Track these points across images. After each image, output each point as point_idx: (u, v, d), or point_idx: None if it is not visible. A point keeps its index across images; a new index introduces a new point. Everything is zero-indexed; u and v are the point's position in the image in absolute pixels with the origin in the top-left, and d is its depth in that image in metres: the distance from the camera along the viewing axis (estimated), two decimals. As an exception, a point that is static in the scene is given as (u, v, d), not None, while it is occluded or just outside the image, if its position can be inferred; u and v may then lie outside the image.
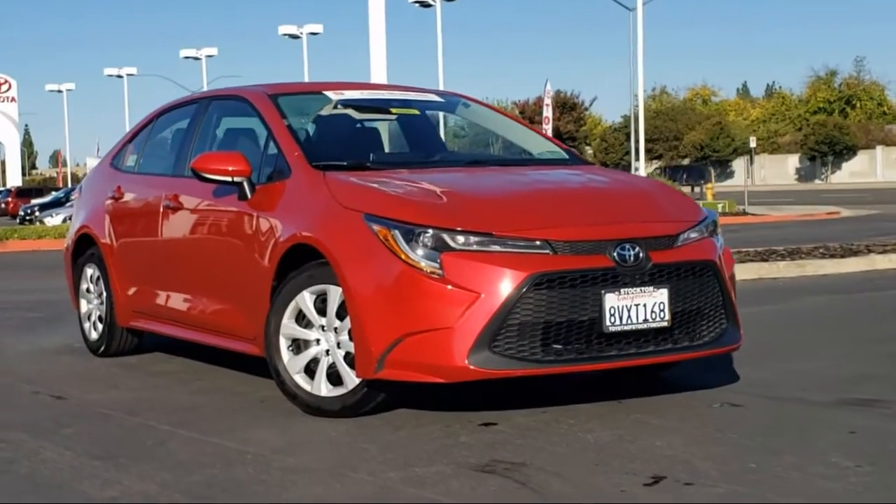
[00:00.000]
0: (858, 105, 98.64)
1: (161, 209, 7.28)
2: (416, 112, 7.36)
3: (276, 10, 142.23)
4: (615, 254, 5.44)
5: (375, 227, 5.48)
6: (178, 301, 7.15)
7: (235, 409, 6.13)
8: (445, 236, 5.36)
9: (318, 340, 5.83)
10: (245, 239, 6.36)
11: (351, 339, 5.64)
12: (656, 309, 5.46)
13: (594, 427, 5.33)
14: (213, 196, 6.71)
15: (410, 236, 5.37)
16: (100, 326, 8.21)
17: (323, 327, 5.80)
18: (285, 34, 62.71)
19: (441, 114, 8.76)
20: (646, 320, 5.45)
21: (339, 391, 5.72)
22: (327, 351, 5.79)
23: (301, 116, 6.84)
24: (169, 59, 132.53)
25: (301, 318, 5.90)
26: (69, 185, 70.42)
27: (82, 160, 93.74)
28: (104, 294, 8.09)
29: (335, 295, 5.70)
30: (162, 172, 7.73)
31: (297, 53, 61.35)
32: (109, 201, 8.06)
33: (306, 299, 5.83)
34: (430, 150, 7.48)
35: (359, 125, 7.30)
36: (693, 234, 5.79)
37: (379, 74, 13.53)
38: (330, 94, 7.08)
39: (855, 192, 47.04)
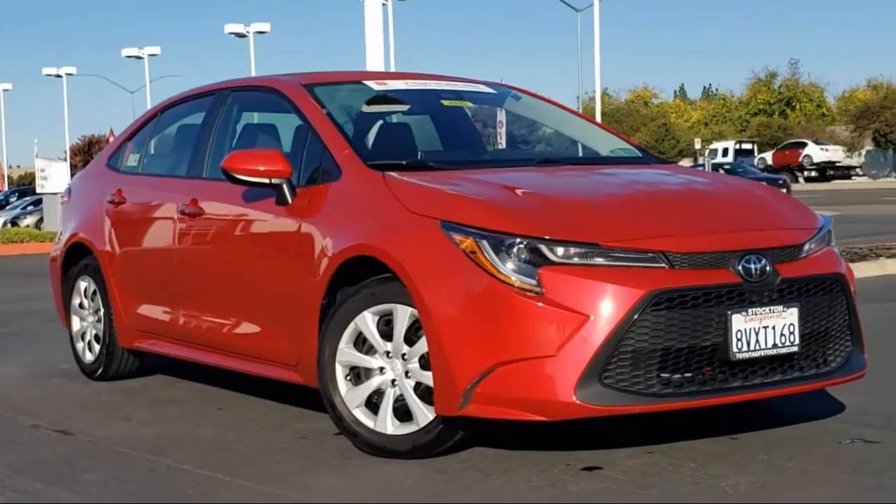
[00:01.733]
0: (798, 107, 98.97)
1: (176, 215, 6.42)
2: (469, 104, 6.56)
3: (221, 8, 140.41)
4: (740, 267, 4.68)
5: (457, 237, 4.68)
6: (197, 320, 6.29)
7: (277, 448, 5.31)
8: (543, 247, 4.57)
9: (381, 369, 5.02)
10: (285, 250, 5.53)
11: (422, 367, 4.84)
12: (786, 332, 4.70)
13: (722, 472, 4.55)
14: (244, 201, 5.87)
15: (501, 247, 4.58)
16: (96, 347, 7.33)
17: (388, 353, 4.99)
18: (231, 33, 61.51)
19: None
20: (775, 345, 4.69)
21: (409, 428, 4.92)
22: (393, 381, 4.98)
23: (342, 109, 6.00)
24: (111, 58, 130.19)
25: (361, 343, 5.09)
26: (6, 188, 68.73)
27: (19, 162, 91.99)
28: (102, 311, 7.21)
29: (403, 316, 4.89)
30: (173, 174, 6.86)
31: (244, 53, 60.13)
32: (108, 206, 7.18)
33: (368, 321, 5.01)
34: (474, 147, 6.68)
35: (406, 119, 6.48)
36: (814, 244, 5.04)
37: (376, 63, 12.69)
38: (371, 84, 6.27)
39: (807, 192, 46.86)
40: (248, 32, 61.97)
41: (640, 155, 6.23)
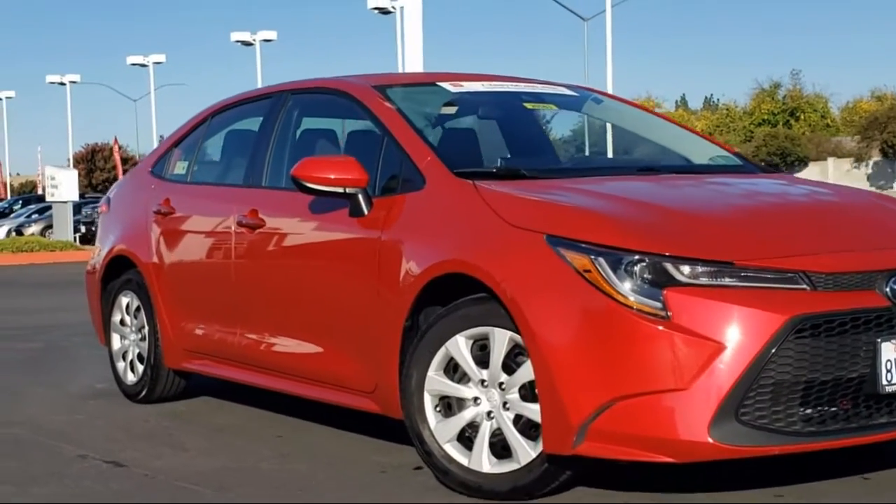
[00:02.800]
0: (802, 117, 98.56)
1: (233, 227, 5.94)
2: (554, 108, 6.08)
3: (228, 16, 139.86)
4: (887, 289, 4.19)
5: (567, 254, 4.20)
6: (257, 341, 5.82)
7: (359, 484, 4.84)
8: (669, 266, 4.09)
9: (476, 399, 4.54)
10: (360, 265, 5.06)
11: (523, 398, 4.37)
12: (937, 362, 4.22)
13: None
14: (311, 212, 5.39)
15: (620, 265, 4.10)
16: (139, 367, 6.85)
17: (483, 382, 4.51)
18: (238, 41, 61.15)
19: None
20: (927, 377, 4.20)
21: (508, 466, 4.43)
22: (489, 413, 4.50)
23: (419, 113, 5.53)
24: (116, 65, 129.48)
25: (452, 370, 4.61)
26: (9, 196, 68.26)
27: (23, 170, 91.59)
28: (146, 328, 6.73)
29: (501, 341, 4.41)
30: (228, 182, 6.39)
31: (251, 61, 59.84)
32: (155, 217, 6.70)
33: (461, 346, 4.54)
34: (549, 154, 6.20)
35: (486, 123, 6.01)
36: None
37: (415, 62, 12.22)
38: (446, 85, 5.79)
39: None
40: (254, 40, 61.65)
41: (742, 163, 5.75)
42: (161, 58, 69.28)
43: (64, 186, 29.04)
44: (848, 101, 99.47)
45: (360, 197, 5.08)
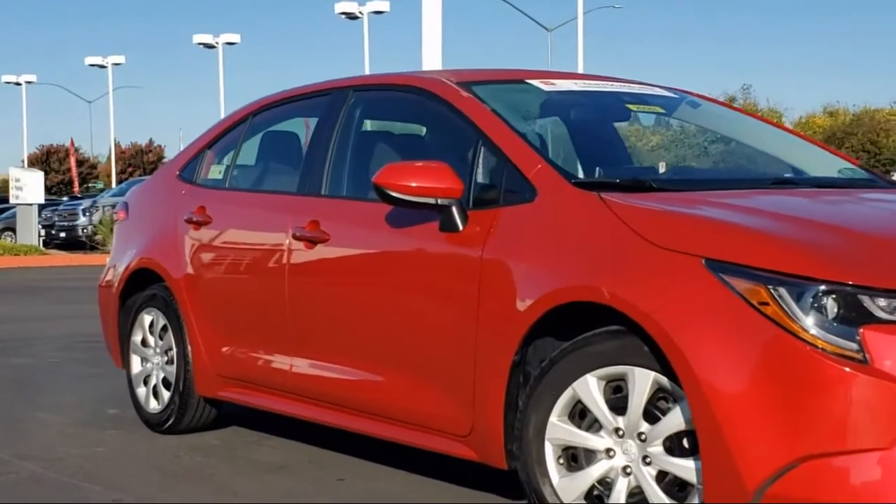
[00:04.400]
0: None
1: (287, 240, 5.22)
2: (660, 110, 5.40)
3: (190, 18, 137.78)
4: None
5: (736, 282, 3.53)
6: (316, 370, 5.12)
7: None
8: (866, 299, 3.42)
9: (609, 452, 3.86)
10: (454, 289, 4.38)
11: (668, 451, 3.71)
12: None
13: None
14: (390, 225, 4.70)
15: (805, 297, 3.43)
16: (165, 393, 6.11)
17: (618, 431, 3.83)
18: (200, 43, 60.20)
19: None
20: None
21: (651, 532, 3.75)
22: (626, 469, 3.82)
23: (516, 114, 4.85)
24: (74, 66, 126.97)
25: (579, 416, 3.93)
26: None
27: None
28: (174, 350, 6.00)
29: (643, 382, 3.75)
30: (275, 189, 5.68)
31: (213, 64, 58.51)
32: (187, 226, 5.97)
33: (591, 388, 3.86)
34: (623, 161, 5.54)
35: (588, 126, 5.35)
36: None
37: (433, 60, 11.54)
38: (537, 83, 5.11)
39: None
40: (217, 43, 60.75)
41: (870, 176, 5.11)
42: (120, 59, 68.13)
43: (29, 188, 28.05)
44: (801, 117, 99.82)
45: (455, 209, 4.40)
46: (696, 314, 3.60)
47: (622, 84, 5.33)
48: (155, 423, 6.16)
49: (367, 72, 49.32)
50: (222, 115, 40.45)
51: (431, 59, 11.41)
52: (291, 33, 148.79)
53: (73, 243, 31.75)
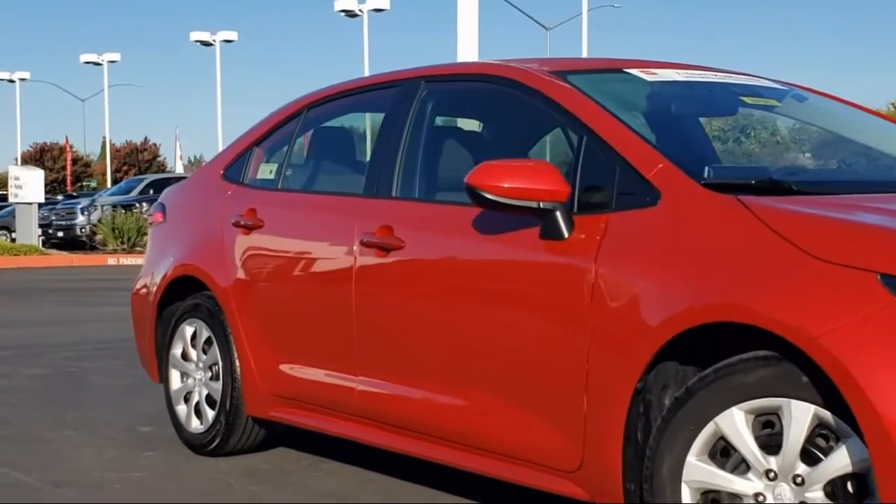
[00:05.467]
0: (753, 134, 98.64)
1: (355, 247, 4.70)
2: (776, 103, 4.88)
3: (187, 15, 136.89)
4: None
5: None
6: (388, 392, 4.60)
7: None
8: None
9: (759, 496, 3.35)
10: (561, 304, 3.87)
11: (831, 496, 3.19)
12: None
13: None
14: (479, 231, 4.19)
15: None
16: (209, 412, 5.59)
17: (770, 473, 3.31)
18: (197, 41, 59.65)
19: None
20: None
21: None
22: (777, 516, 3.29)
23: (624, 107, 4.32)
24: (69, 63, 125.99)
25: (721, 455, 3.42)
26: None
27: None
28: (220, 365, 5.48)
29: (801, 418, 3.24)
30: (337, 191, 5.16)
31: (210, 62, 57.81)
32: (235, 230, 5.45)
33: (738, 423, 3.35)
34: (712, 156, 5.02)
35: (692, 120, 4.84)
36: None
37: (469, 51, 11.04)
38: (637, 73, 4.59)
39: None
40: (214, 41, 60.25)
41: None
42: (116, 56, 67.61)
43: (29, 187, 27.45)
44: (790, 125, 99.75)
45: (559, 214, 3.88)
46: (872, 338, 3.08)
47: (725, 74, 4.82)
48: (198, 445, 5.63)
49: (367, 71, 48.79)
50: (219, 115, 39.32)
51: (467, 55, 10.89)
52: (290, 31, 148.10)
53: (72, 243, 31.18)
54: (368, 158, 4.96)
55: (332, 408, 4.93)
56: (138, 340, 6.21)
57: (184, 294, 5.80)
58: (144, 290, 6.08)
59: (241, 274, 5.38)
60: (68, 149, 63.54)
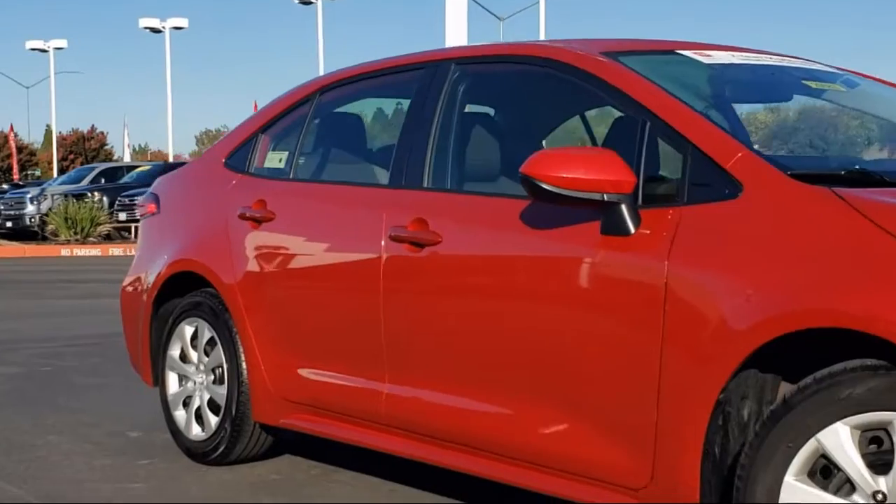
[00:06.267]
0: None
1: (382, 242, 4.33)
2: (841, 88, 4.55)
3: (135, 2, 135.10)
4: None
5: None
6: (421, 399, 4.23)
7: None
8: None
9: (870, 523, 3.01)
10: (627, 306, 3.53)
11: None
12: None
13: None
14: (529, 225, 3.85)
15: None
16: (212, 418, 5.21)
17: (878, 495, 3.01)
18: (146, 27, 58.79)
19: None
20: None
21: None
22: (890, 547, 2.97)
23: (687, 91, 3.98)
24: (14, 50, 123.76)
25: (821, 474, 3.10)
26: None
27: None
28: (224, 368, 5.10)
29: (919, 436, 2.91)
30: (359, 181, 4.80)
31: (159, 49, 56.93)
32: (242, 222, 5.07)
33: (842, 439, 3.04)
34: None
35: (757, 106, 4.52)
36: None
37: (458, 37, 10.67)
38: (692, 55, 4.26)
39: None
40: (163, 28, 59.46)
41: None
42: (62, 43, 66.58)
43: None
44: (741, 113, 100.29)
45: (625, 208, 3.54)
46: None
47: (778, 58, 4.49)
48: (199, 453, 5.25)
49: (322, 61, 48.18)
50: (169, 104, 38.62)
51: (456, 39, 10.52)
52: (242, 19, 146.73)
53: (21, 233, 30.46)
54: (395, 146, 4.58)
55: (354, 415, 4.56)
56: (129, 340, 5.81)
57: (182, 291, 5.41)
58: (137, 287, 5.69)
59: (249, 270, 5.00)
60: (12, 137, 62.35)
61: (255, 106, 49.90)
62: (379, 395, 4.41)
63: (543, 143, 4.74)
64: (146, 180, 30.89)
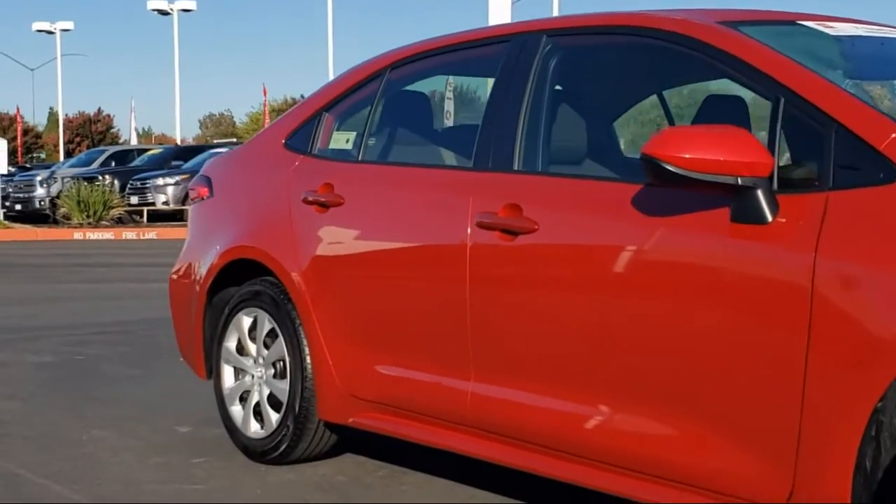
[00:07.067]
0: None
1: (468, 229, 4.01)
2: None
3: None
4: None
5: None
6: (521, 402, 3.91)
7: None
8: None
9: None
10: (764, 303, 3.20)
11: None
12: None
13: None
14: (644, 212, 3.52)
15: None
16: (272, 415, 4.89)
17: None
18: (154, 9, 58.43)
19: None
20: None
21: None
22: None
23: (821, 64, 3.64)
24: (20, 32, 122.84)
25: None
26: None
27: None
28: (287, 361, 4.78)
29: None
30: (440, 163, 4.47)
31: (167, 32, 56.50)
32: (307, 207, 4.74)
33: None
34: None
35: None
36: None
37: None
38: (813, 25, 3.92)
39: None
40: (171, 10, 59.13)
41: None
42: (69, 25, 66.30)
43: (-7, 157, 26.45)
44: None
45: (761, 193, 3.21)
46: None
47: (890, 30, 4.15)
48: (258, 452, 4.94)
49: (331, 50, 47.75)
50: (177, 86, 38.29)
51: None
52: (251, 2, 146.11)
53: (31, 216, 30.17)
54: (479, 125, 4.25)
55: (434, 416, 4.24)
56: (179, 331, 5.49)
57: (239, 279, 5.08)
58: (188, 274, 5.36)
59: (316, 258, 4.68)
60: (19, 119, 62.05)
61: (265, 90, 49.60)
62: (463, 394, 4.09)
63: (664, 124, 4.40)
64: (157, 164, 30.65)
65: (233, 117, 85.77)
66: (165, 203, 27.52)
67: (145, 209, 27.51)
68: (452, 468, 4.70)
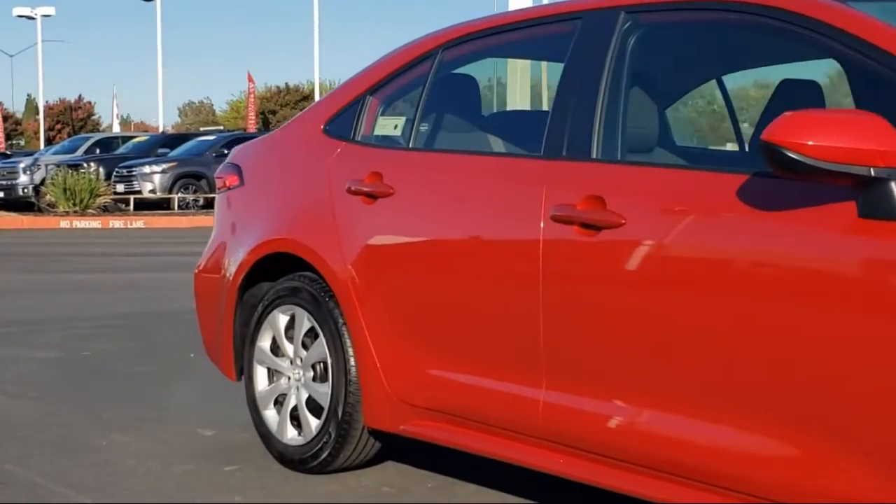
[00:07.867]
0: (689, 103, 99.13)
1: (541, 223, 3.67)
2: None
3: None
4: None
5: None
6: (592, 412, 3.56)
7: None
8: None
9: None
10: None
11: None
12: None
13: None
14: (752, 206, 3.19)
15: None
16: (312, 421, 4.54)
17: None
18: (137, -4, 57.68)
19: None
20: None
21: None
22: None
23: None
24: (2, 17, 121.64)
25: None
26: None
27: None
28: (329, 363, 4.44)
29: None
30: (504, 151, 4.13)
31: (150, 18, 55.88)
32: (352, 198, 4.39)
33: None
34: None
35: None
36: None
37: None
38: None
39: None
40: (156, -4, 58.43)
41: None
42: (49, 10, 65.63)
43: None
44: (731, 88, 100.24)
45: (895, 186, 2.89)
46: None
47: None
48: (296, 460, 4.59)
49: (316, 34, 47.24)
50: (159, 73, 37.89)
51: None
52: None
53: (14, 204, 29.66)
54: (550, 111, 3.90)
55: (500, 426, 3.90)
56: (205, 329, 5.14)
57: (273, 275, 4.73)
58: (217, 269, 5.01)
59: (363, 253, 4.33)
60: (0, 106, 61.35)
61: (250, 76, 48.94)
62: (535, 403, 3.74)
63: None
64: (143, 151, 30.19)
65: (213, 105, 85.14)
66: (152, 191, 27.06)
67: (132, 197, 27.06)
68: (504, 478, 4.37)
